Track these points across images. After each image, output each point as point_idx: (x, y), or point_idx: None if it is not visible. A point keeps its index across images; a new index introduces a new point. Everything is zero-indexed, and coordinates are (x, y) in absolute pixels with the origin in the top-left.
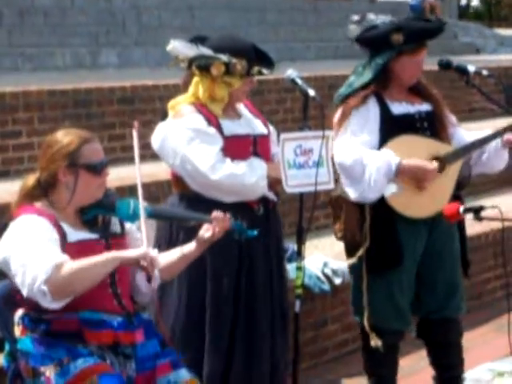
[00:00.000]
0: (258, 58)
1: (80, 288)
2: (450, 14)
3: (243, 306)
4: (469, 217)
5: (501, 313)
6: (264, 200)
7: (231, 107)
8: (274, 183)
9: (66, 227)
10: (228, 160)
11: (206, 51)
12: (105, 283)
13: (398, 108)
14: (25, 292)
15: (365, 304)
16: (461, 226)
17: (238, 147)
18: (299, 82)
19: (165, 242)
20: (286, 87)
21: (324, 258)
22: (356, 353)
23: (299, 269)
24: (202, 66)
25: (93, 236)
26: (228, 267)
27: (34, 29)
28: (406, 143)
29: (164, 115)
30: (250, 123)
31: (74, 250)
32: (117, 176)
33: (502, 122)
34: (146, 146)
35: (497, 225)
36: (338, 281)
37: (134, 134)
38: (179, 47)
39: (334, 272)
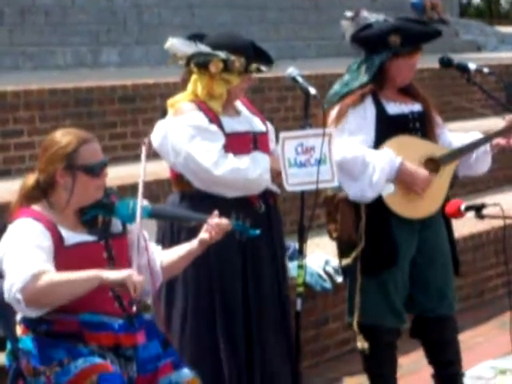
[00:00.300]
0: (257, 55)
1: (55, 301)
2: (451, 11)
3: (254, 305)
4: (470, 215)
5: (503, 310)
6: (264, 196)
7: (230, 104)
8: (277, 176)
9: (63, 230)
10: (231, 155)
11: (204, 48)
12: (105, 285)
13: (393, 108)
14: (5, 297)
15: (356, 305)
16: (448, 225)
17: (238, 144)
18: (300, 80)
19: (168, 241)
20: (286, 85)
21: (325, 256)
22: (357, 351)
23: (300, 267)
24: (200, 63)
25: (91, 238)
26: (233, 268)
27: (35, 28)
28: (403, 144)
29: (163, 113)
30: (249, 120)
31: (73, 253)
32: (118, 175)
33: (502, 120)
34: (149, 144)
35: (498, 223)
36: (339, 279)
37: (143, 150)
38: (177, 45)
39: (336, 270)
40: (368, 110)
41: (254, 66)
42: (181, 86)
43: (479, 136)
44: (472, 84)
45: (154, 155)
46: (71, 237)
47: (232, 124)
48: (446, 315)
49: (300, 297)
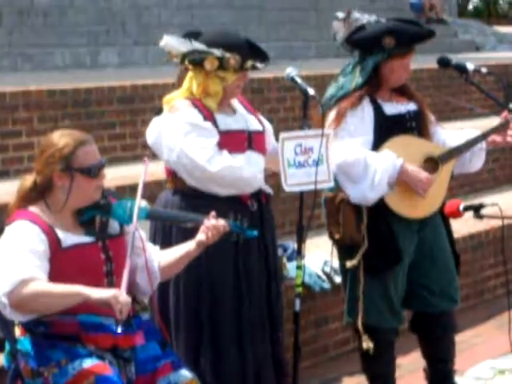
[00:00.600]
0: (252, 52)
1: (37, 310)
2: (449, 11)
3: (246, 303)
4: (469, 215)
5: (502, 310)
6: (257, 195)
7: (226, 102)
8: (271, 176)
9: (60, 232)
10: (225, 152)
11: (199, 46)
12: (103, 286)
13: (390, 108)
14: None
15: (360, 305)
16: (446, 223)
17: (233, 142)
18: (298, 80)
19: (160, 240)
20: (286, 86)
21: (324, 256)
22: (357, 351)
23: (299, 267)
24: (195, 60)
25: (89, 239)
26: (225, 267)
27: (34, 29)
28: (402, 144)
29: (159, 110)
30: (244, 119)
31: (70, 255)
32: (117, 175)
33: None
34: (146, 146)
35: (497, 222)
36: (338, 279)
37: (145, 166)
38: (172, 42)
39: (335, 270)
40: (366, 111)
41: (249, 63)
42: (177, 84)
43: (474, 132)
44: (470, 84)
45: (152, 156)
46: (68, 238)
47: (227, 122)
48: (449, 310)
49: (299, 297)
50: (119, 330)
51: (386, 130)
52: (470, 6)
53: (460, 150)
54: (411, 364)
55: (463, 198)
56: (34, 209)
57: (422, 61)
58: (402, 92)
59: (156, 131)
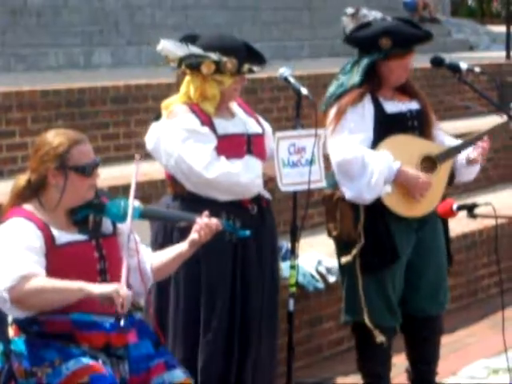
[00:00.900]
0: (249, 55)
1: (38, 306)
2: (443, 11)
3: (239, 306)
4: (462, 214)
5: (495, 310)
6: (258, 199)
7: (224, 106)
8: (269, 181)
9: (55, 230)
10: (223, 158)
11: (195, 50)
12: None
13: (391, 107)
14: None
15: (363, 302)
16: (444, 222)
17: (231, 146)
18: (292, 80)
19: (160, 241)
20: (279, 86)
21: (318, 256)
22: (351, 351)
23: (293, 267)
24: (192, 65)
25: (82, 237)
26: (223, 274)
27: (27, 29)
28: (399, 143)
29: (158, 115)
30: (243, 122)
31: (64, 252)
32: (110, 175)
33: (495, 120)
34: (139, 146)
35: (490, 222)
36: (332, 279)
37: (135, 166)
38: (169, 47)
39: (328, 270)
40: (366, 108)
41: (246, 66)
42: (176, 88)
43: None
44: (464, 83)
45: (146, 156)
46: (62, 236)
47: (225, 126)
48: (436, 315)
49: (292, 297)
50: (122, 324)
51: (385, 127)
52: (469, 1)
53: (458, 150)
54: (404, 364)
55: (456, 197)
56: (28, 206)
57: (416, 60)
58: (406, 91)
59: (155, 137)
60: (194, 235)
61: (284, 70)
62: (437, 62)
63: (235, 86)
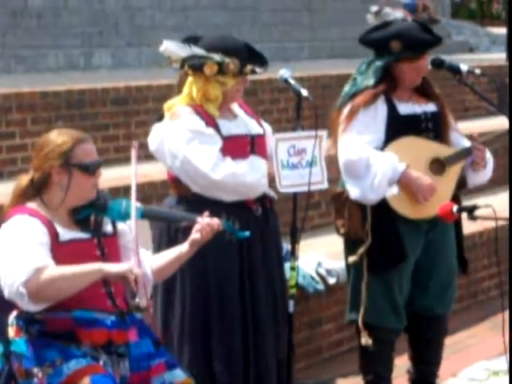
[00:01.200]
0: (251, 56)
1: (58, 294)
2: (443, 12)
3: (250, 309)
4: (462, 216)
5: (495, 312)
6: (262, 199)
7: (226, 107)
8: (273, 181)
9: (58, 227)
10: (228, 159)
11: (198, 51)
12: (98, 283)
13: (405, 108)
14: (6, 293)
15: (362, 301)
16: (458, 224)
17: (236, 147)
18: (292, 81)
19: (165, 241)
20: (279, 87)
21: (318, 257)
22: (351, 352)
23: (293, 269)
24: (195, 66)
25: (85, 235)
26: (230, 272)
27: (27, 30)
28: (408, 145)
29: (160, 117)
30: (246, 123)
31: (67, 249)
32: (110, 177)
33: (495, 121)
34: (140, 147)
35: (490, 224)
36: (332, 280)
37: (133, 153)
38: (171, 47)
39: (328, 272)
40: (379, 109)
41: (248, 67)
42: (177, 89)
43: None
44: (464, 85)
45: (146, 157)
46: (66, 233)
47: (229, 127)
48: (442, 315)
49: (292, 298)
50: (137, 300)
51: (398, 129)
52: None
53: (468, 153)
54: (405, 365)
55: (460, 199)
56: (31, 205)
57: None
58: (424, 92)
59: (158, 138)
60: (195, 235)
61: (284, 72)
62: (437, 64)
63: (238, 87)
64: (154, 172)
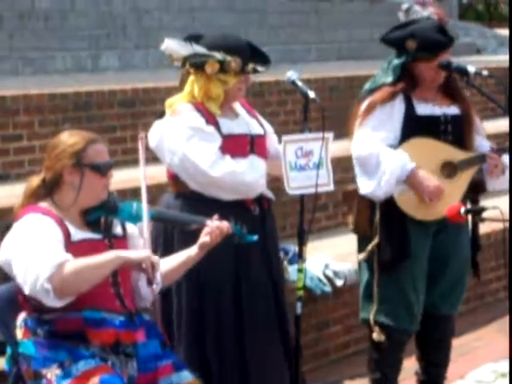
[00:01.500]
0: (254, 55)
1: (83, 286)
2: (450, 14)
3: (246, 311)
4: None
5: (503, 314)
6: (259, 200)
7: (228, 106)
8: (273, 181)
9: (70, 227)
10: (228, 157)
11: (199, 49)
12: (107, 283)
13: (424, 108)
14: (27, 290)
15: (374, 299)
16: (474, 227)
17: (235, 146)
18: (299, 83)
19: (161, 244)
20: (286, 89)
21: (325, 259)
22: (358, 354)
23: (300, 271)
24: (196, 64)
25: (96, 236)
26: (225, 268)
27: (35, 32)
28: (422, 145)
29: (161, 114)
30: (247, 123)
31: (78, 249)
32: (118, 179)
33: (502, 123)
34: (147, 149)
35: (498, 225)
36: (339, 282)
37: (140, 145)
38: (173, 46)
39: (336, 274)
40: (397, 108)
41: (250, 66)
42: (179, 87)
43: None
44: (471, 87)
45: (154, 159)
46: (77, 233)
47: (229, 126)
48: (447, 315)
49: (300, 300)
50: (156, 288)
51: (414, 129)
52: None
53: (482, 159)
54: (413, 367)
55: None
56: (43, 204)
57: None
58: (451, 93)
59: (158, 135)
60: (204, 238)
61: (291, 74)
62: (445, 65)
63: (239, 86)
64: (161, 174)
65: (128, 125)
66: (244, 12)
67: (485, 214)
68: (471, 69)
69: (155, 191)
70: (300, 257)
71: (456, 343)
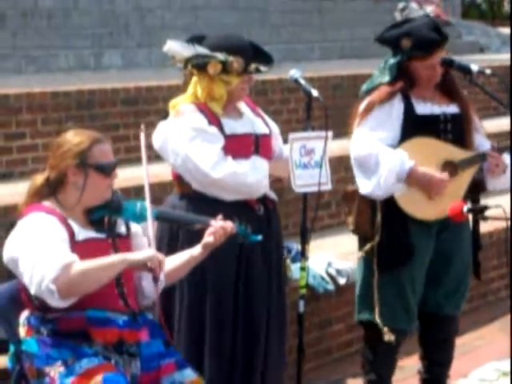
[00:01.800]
0: (256, 55)
1: (88, 288)
2: (453, 12)
3: (242, 308)
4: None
5: (505, 312)
6: (264, 200)
7: (232, 106)
8: (275, 182)
9: (74, 226)
10: (230, 158)
11: (202, 50)
12: (111, 283)
13: (423, 108)
14: (32, 290)
15: (376, 300)
16: (475, 227)
17: (239, 146)
18: (302, 82)
19: (165, 243)
20: (289, 87)
21: (328, 257)
22: (359, 351)
23: (303, 269)
24: (198, 65)
25: (100, 235)
26: (228, 269)
27: (38, 31)
28: (422, 145)
29: (165, 115)
30: (251, 122)
31: (82, 248)
32: (121, 177)
33: (505, 121)
34: (150, 147)
35: (501, 224)
36: (342, 281)
37: (142, 136)
38: (175, 47)
39: (339, 272)
40: (395, 107)
41: (253, 66)
42: (182, 88)
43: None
44: (474, 85)
45: (157, 157)
46: (81, 232)
47: (233, 126)
48: (452, 315)
49: (302, 299)
50: (159, 287)
51: (414, 128)
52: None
53: (483, 158)
54: (415, 366)
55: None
56: (46, 203)
57: None
58: (449, 92)
59: (162, 136)
60: (209, 238)
61: (294, 72)
62: (448, 64)
63: (242, 86)
64: (164, 173)
65: (131, 123)
66: (246, 11)
67: (487, 213)
68: (474, 67)
69: (158, 190)
70: (303, 255)
71: (458, 342)
